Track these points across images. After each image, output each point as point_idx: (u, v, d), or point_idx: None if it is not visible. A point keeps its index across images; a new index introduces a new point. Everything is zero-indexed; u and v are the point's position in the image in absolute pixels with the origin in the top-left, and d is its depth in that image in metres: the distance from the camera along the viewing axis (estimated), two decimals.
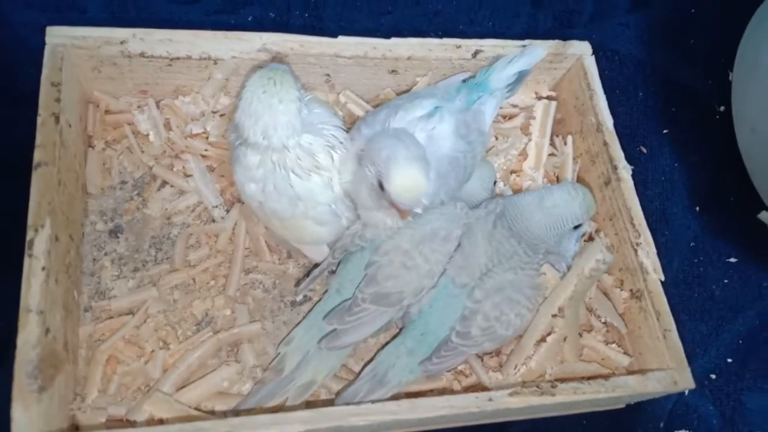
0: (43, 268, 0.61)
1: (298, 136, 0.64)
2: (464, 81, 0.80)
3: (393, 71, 0.82)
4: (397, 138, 0.65)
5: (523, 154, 0.85)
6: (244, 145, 0.65)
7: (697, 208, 0.94)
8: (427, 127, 0.69)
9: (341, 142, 0.68)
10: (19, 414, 0.56)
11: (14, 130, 0.78)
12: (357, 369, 0.72)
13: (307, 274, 0.75)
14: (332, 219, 0.70)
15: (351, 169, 0.68)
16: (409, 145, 0.64)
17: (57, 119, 0.68)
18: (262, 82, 0.63)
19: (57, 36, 0.72)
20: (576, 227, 0.73)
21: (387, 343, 0.72)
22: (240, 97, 0.64)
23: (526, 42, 0.82)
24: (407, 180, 0.62)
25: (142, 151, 0.79)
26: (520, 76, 0.79)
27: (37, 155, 0.65)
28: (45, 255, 0.61)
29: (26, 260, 0.61)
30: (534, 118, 0.86)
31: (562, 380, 0.67)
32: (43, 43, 0.72)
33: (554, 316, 0.72)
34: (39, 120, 0.67)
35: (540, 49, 0.80)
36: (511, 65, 0.78)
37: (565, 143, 0.85)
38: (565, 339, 0.72)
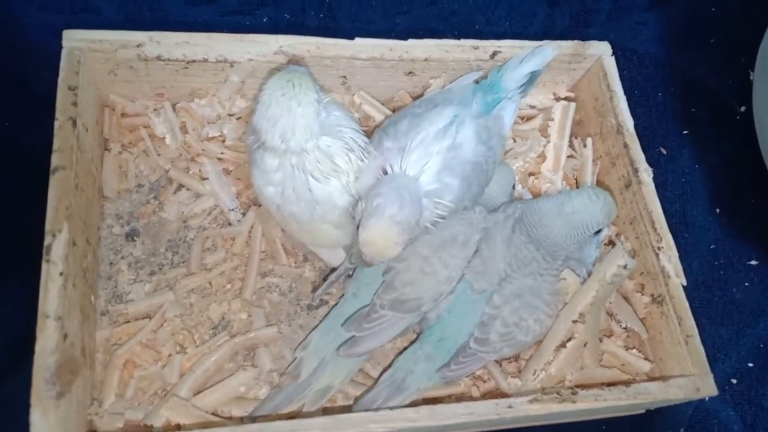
0: (61, 274, 0.60)
1: (317, 139, 0.64)
2: (476, 82, 0.79)
3: (410, 73, 0.81)
4: (399, 194, 0.63)
5: (542, 157, 0.84)
6: (261, 149, 0.65)
7: (718, 210, 0.92)
8: (450, 136, 0.69)
9: (360, 146, 0.67)
10: (38, 420, 0.56)
11: (30, 133, 0.78)
12: (374, 374, 0.72)
13: (324, 279, 0.74)
14: (350, 222, 0.69)
15: (367, 183, 0.67)
16: (404, 206, 0.62)
17: (74, 123, 0.67)
18: (281, 84, 0.62)
19: (73, 39, 0.72)
20: (597, 232, 0.72)
21: (404, 349, 0.72)
22: (258, 99, 0.63)
23: (545, 42, 0.81)
24: (378, 237, 0.62)
25: (159, 155, 0.79)
26: (533, 77, 0.79)
27: (55, 160, 0.65)
28: (63, 260, 0.61)
29: (44, 265, 0.61)
30: (552, 119, 0.85)
31: (582, 386, 0.66)
32: (58, 46, 0.72)
33: (574, 321, 0.71)
34: (56, 124, 0.67)
35: (550, 49, 0.79)
36: (523, 65, 0.78)
37: (585, 145, 0.84)
38: (585, 344, 0.71)
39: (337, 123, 0.67)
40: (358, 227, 0.63)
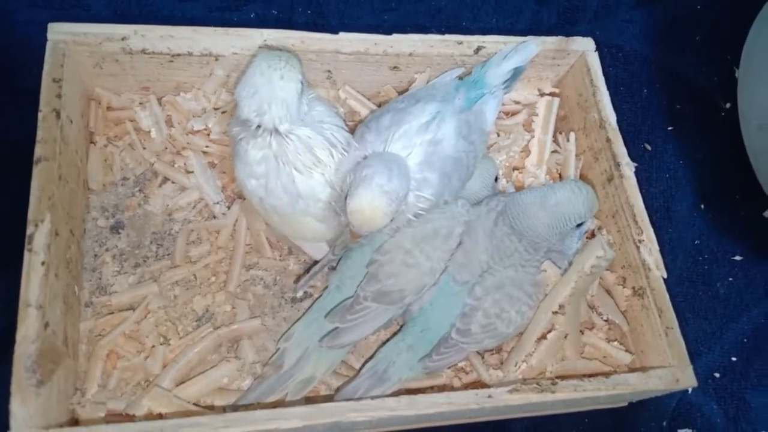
0: (43, 263, 0.61)
1: (292, 124, 0.63)
2: (460, 78, 0.80)
3: (394, 67, 0.82)
4: (389, 167, 0.64)
5: (526, 151, 0.84)
6: (245, 141, 0.65)
7: (702, 206, 0.93)
8: (430, 130, 0.69)
9: (340, 142, 0.67)
10: (18, 408, 0.56)
11: (18, 128, 0.78)
12: (357, 365, 0.72)
13: (307, 271, 0.75)
14: (332, 216, 0.70)
15: (345, 172, 0.67)
16: (392, 177, 0.63)
17: (58, 115, 0.68)
18: (269, 56, 0.63)
19: (58, 32, 0.72)
20: (579, 225, 0.72)
21: (387, 340, 0.72)
22: (244, 70, 0.64)
23: (529, 38, 0.82)
24: (366, 205, 0.62)
25: (144, 148, 0.79)
26: (516, 73, 0.79)
27: (38, 150, 0.65)
28: (45, 250, 0.61)
29: (26, 255, 0.61)
30: (537, 114, 0.85)
31: (563, 378, 0.67)
32: (46, 41, 0.72)
33: (555, 313, 0.71)
34: (40, 116, 0.67)
35: (533, 45, 0.80)
36: (506, 61, 0.78)
37: (568, 140, 0.85)
38: (566, 336, 0.71)
39: (319, 118, 0.67)
40: (346, 198, 0.63)
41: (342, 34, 0.78)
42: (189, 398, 0.67)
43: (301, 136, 0.64)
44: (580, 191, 0.71)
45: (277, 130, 0.63)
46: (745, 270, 0.89)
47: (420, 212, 0.69)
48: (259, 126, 0.63)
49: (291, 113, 0.63)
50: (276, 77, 0.62)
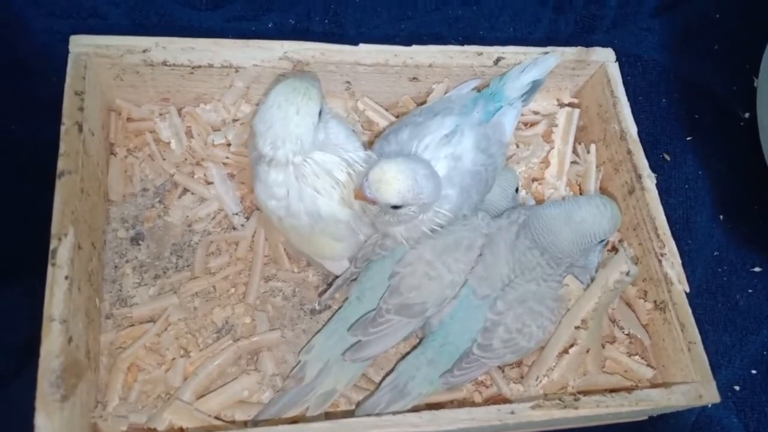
0: (67, 277, 0.61)
1: (305, 154, 0.63)
2: (477, 90, 0.80)
3: (414, 78, 0.81)
4: (432, 171, 0.64)
5: (545, 162, 0.84)
6: (265, 163, 0.65)
7: (721, 217, 0.92)
8: (452, 144, 0.69)
9: (357, 162, 0.67)
10: (42, 422, 0.56)
11: (36, 137, 0.79)
12: (377, 379, 0.72)
13: (330, 284, 0.75)
14: (350, 235, 0.70)
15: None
16: (432, 174, 0.64)
17: (80, 128, 0.68)
18: (286, 89, 0.62)
19: (80, 45, 0.72)
20: (601, 241, 0.72)
21: (407, 354, 0.72)
22: (262, 101, 0.63)
23: (548, 49, 0.81)
24: (393, 172, 0.60)
25: (164, 159, 0.79)
26: (535, 86, 0.79)
27: (61, 164, 0.65)
28: (68, 264, 0.61)
29: (50, 269, 0.61)
30: (556, 125, 0.85)
31: (585, 392, 0.66)
32: (65, 51, 0.72)
33: (577, 327, 0.71)
34: (63, 129, 0.67)
35: (552, 58, 0.79)
36: (525, 74, 0.78)
37: (588, 151, 0.84)
38: (587, 351, 0.71)
39: (336, 141, 0.67)
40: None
41: (362, 46, 0.78)
42: (210, 411, 0.67)
43: (318, 160, 0.64)
44: (606, 208, 0.70)
45: (290, 162, 0.63)
46: (765, 281, 0.88)
47: (436, 228, 0.68)
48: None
49: (305, 147, 0.62)
50: (292, 112, 0.61)
